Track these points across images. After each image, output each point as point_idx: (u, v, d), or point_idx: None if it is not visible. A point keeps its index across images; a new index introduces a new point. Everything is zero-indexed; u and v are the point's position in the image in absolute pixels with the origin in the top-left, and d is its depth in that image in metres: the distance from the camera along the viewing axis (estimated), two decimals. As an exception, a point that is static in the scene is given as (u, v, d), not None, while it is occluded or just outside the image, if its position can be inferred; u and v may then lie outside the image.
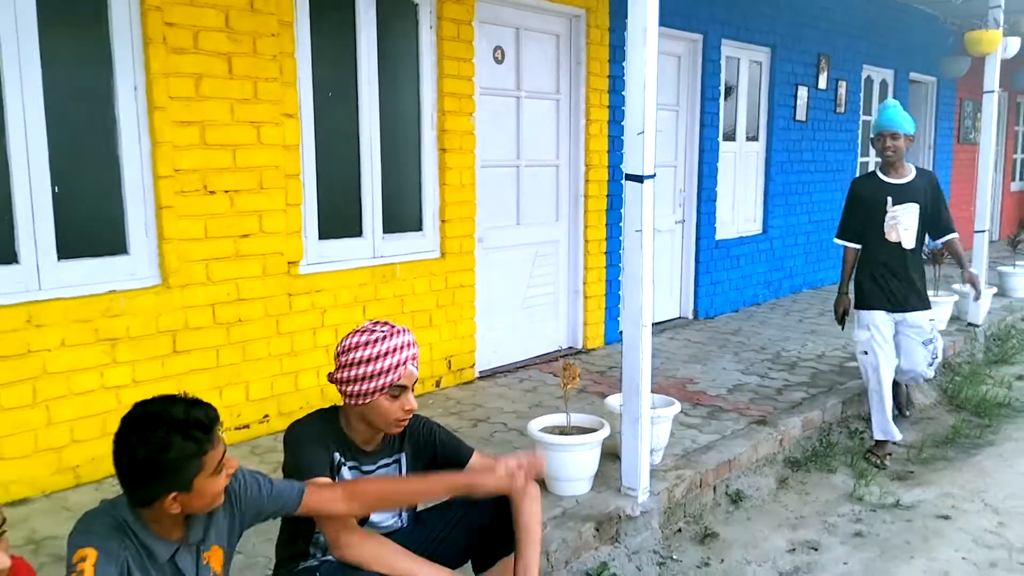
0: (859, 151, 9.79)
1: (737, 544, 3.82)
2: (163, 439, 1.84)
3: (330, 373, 2.44)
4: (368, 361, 2.33)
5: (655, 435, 3.92)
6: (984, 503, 4.27)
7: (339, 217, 4.78)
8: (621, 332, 4.26)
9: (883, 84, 10.18)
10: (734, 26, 7.53)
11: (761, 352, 6.43)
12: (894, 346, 4.83)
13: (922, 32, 9.88)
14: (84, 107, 3.75)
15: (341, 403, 2.50)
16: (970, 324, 7.19)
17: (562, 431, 3.77)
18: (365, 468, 2.52)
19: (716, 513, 4.09)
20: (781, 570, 3.61)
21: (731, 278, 8.00)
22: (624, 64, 3.54)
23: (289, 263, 4.46)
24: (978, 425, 5.44)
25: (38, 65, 3.55)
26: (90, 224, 3.81)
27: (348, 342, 2.41)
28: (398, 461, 2.59)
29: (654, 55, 3.48)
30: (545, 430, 3.77)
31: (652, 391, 3.75)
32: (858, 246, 4.87)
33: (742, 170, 8.13)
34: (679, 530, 3.86)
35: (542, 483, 3.54)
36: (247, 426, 4.34)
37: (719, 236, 7.77)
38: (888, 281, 4.74)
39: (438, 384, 5.32)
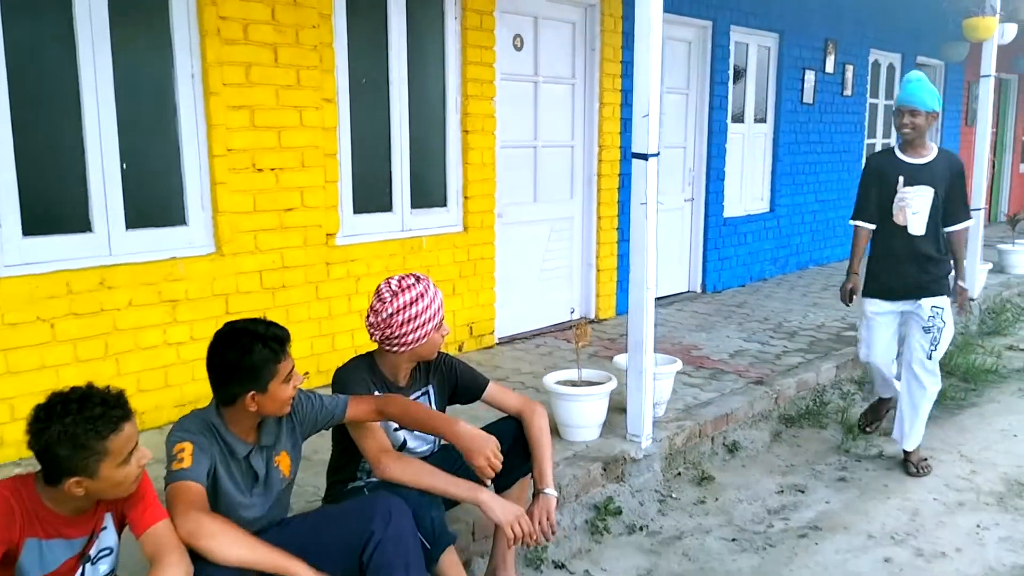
0: (866, 133, 10.12)
1: (731, 486, 4.25)
2: (248, 345, 2.34)
3: (383, 337, 2.85)
4: (424, 311, 2.80)
5: (658, 389, 4.35)
6: (960, 454, 4.68)
7: (371, 193, 5.21)
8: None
9: (890, 68, 10.49)
10: (743, 12, 7.88)
11: (764, 323, 6.83)
12: (894, 338, 4.57)
13: (929, 17, 10.15)
14: (148, 93, 4.19)
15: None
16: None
17: (574, 384, 4.21)
18: (400, 400, 2.97)
19: (713, 460, 4.52)
20: (769, 507, 4.05)
21: (738, 254, 8.38)
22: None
23: (327, 235, 4.90)
24: (964, 389, 5.83)
25: (109, 56, 3.99)
26: (154, 197, 4.26)
27: (400, 303, 2.82)
28: (426, 392, 3.04)
29: (658, 45, 3.87)
30: (559, 383, 4.21)
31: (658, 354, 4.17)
32: (871, 226, 4.48)
33: (750, 151, 8.50)
34: (679, 474, 4.30)
35: (556, 431, 3.98)
36: (290, 382, 4.80)
37: (727, 214, 8.15)
38: (891, 268, 4.39)
39: (460, 348, 5.77)
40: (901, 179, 4.29)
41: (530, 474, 3.01)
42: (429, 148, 5.53)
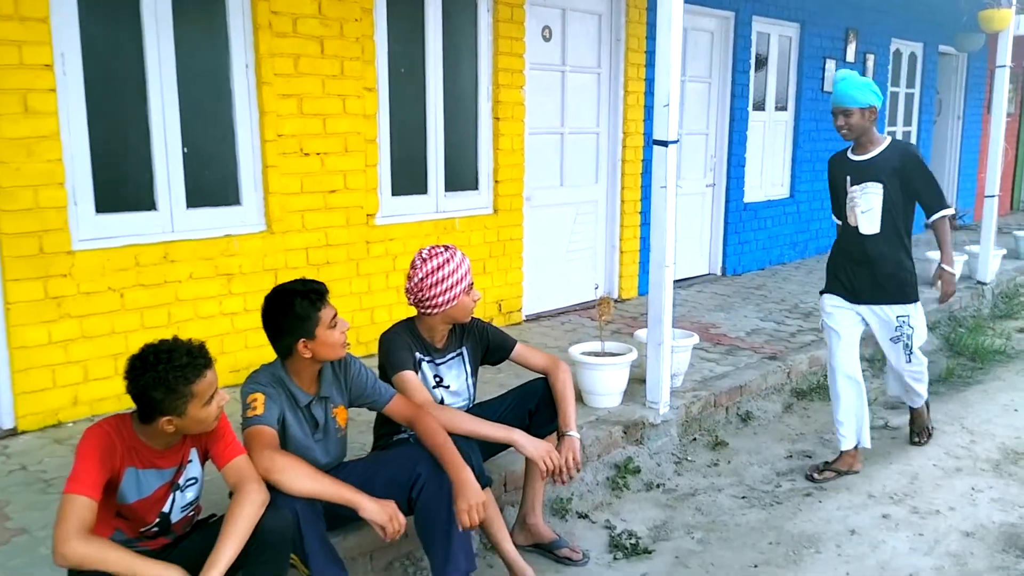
0: (886, 121, 10.31)
1: (743, 451, 4.56)
2: (289, 299, 2.73)
3: (417, 300, 3.20)
4: (452, 274, 3.13)
5: (676, 361, 4.66)
6: (962, 426, 4.95)
7: (408, 177, 5.55)
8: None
9: (911, 57, 10.65)
10: (765, 3, 8.11)
11: (780, 304, 7.11)
12: (855, 337, 4.29)
13: (948, 7, 10.30)
14: (207, 82, 4.54)
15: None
16: (978, 282, 7.79)
17: (597, 355, 4.53)
18: (438, 361, 3.33)
19: (727, 428, 4.82)
20: (778, 470, 4.35)
21: (758, 238, 8.65)
22: (659, 42, 4.22)
23: (367, 215, 5.24)
24: (972, 368, 6.09)
25: (172, 49, 4.34)
26: (211, 179, 4.61)
27: (429, 268, 3.16)
28: (460, 354, 3.38)
29: (679, 39, 4.17)
30: (583, 354, 4.53)
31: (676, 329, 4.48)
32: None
33: (771, 138, 8.75)
34: (694, 439, 4.61)
35: (580, 398, 4.30)
36: (332, 352, 5.17)
37: (747, 199, 8.41)
38: (845, 268, 4.25)
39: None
40: (848, 178, 4.17)
41: (556, 431, 3.33)
42: (462, 134, 5.85)
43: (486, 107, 5.90)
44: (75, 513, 2.21)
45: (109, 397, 4.24)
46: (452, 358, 3.37)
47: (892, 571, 3.37)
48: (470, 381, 3.42)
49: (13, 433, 4.02)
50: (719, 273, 8.32)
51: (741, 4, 7.85)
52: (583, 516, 3.78)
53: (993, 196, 7.66)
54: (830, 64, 9.10)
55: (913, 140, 11.13)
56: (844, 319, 4.25)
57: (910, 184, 4.11)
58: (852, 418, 4.23)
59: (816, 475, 4.22)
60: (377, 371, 3.24)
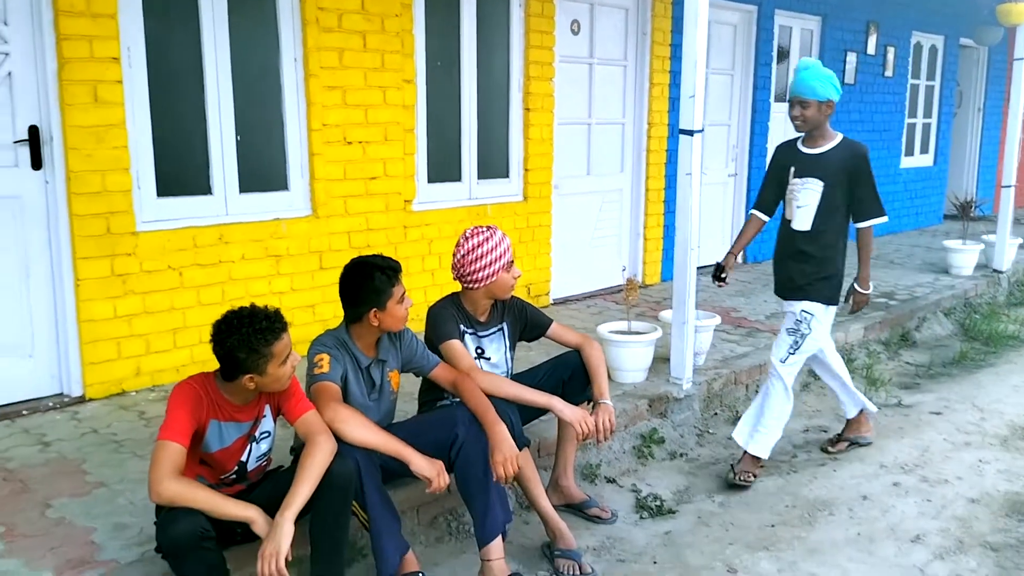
0: (906, 113, 10.47)
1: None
2: (371, 272, 3.02)
3: (460, 275, 3.48)
4: (491, 251, 3.40)
5: (699, 340, 4.92)
6: (973, 405, 5.17)
7: (443, 165, 5.83)
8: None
9: (932, 49, 10.80)
10: (787, -3, 8.31)
11: (800, 290, 7.32)
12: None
13: (967, 1, 10.44)
14: (259, 75, 4.84)
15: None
16: (995, 270, 7.98)
17: (624, 333, 4.79)
18: (481, 334, 3.60)
19: (747, 404, 5.04)
20: (795, 443, 4.61)
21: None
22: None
23: (405, 201, 5.53)
24: (985, 352, 6.30)
25: (227, 43, 4.64)
26: (262, 166, 4.91)
27: (471, 244, 3.45)
28: (501, 328, 3.66)
29: (704, 33, 4.41)
30: (611, 332, 4.79)
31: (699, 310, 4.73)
32: (764, 217, 4.30)
33: (791, 129, 8.90)
34: (715, 414, 4.87)
35: (608, 374, 4.54)
36: (372, 330, 5.47)
37: (768, 189, 8.60)
38: (776, 263, 4.17)
39: (520, 307, 6.37)
40: (792, 170, 4.03)
41: (588, 399, 3.60)
42: (494, 124, 6.12)
43: (517, 98, 6.16)
44: (168, 457, 2.51)
45: (168, 369, 4.55)
46: (494, 332, 3.64)
47: (901, 532, 3.62)
48: (508, 355, 3.70)
49: (82, 400, 4.34)
50: (740, 261, 8.54)
51: (764, -2, 8.05)
52: (611, 481, 4.06)
53: (1010, 186, 7.83)
54: (851, 56, 9.28)
55: (933, 132, 11.29)
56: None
57: (854, 185, 3.93)
58: (840, 387, 4.42)
59: (830, 448, 4.47)
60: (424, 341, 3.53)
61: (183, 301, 4.57)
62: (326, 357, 2.99)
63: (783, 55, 8.63)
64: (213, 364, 2.72)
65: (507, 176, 6.24)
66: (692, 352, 4.73)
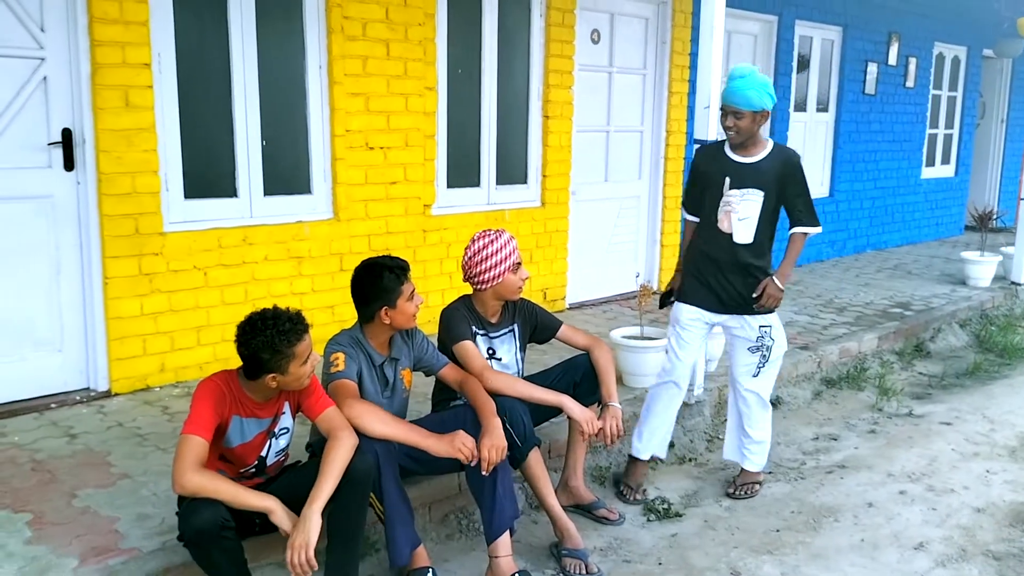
0: (927, 123, 10.47)
1: (772, 433, 4.86)
2: (379, 272, 3.16)
3: (468, 276, 3.59)
4: (497, 252, 3.52)
5: (711, 346, 4.99)
6: (983, 416, 5.20)
7: (463, 170, 5.94)
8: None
9: (955, 60, 10.79)
10: (808, 7, 8.35)
11: (816, 299, 7.37)
12: (700, 352, 4.30)
13: (990, 13, 10.43)
14: (284, 81, 4.97)
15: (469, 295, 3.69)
16: (1013, 283, 7.97)
17: (636, 338, 4.87)
18: (492, 335, 3.70)
19: (758, 411, 5.13)
20: (804, 450, 4.67)
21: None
22: (703, 45, 4.53)
23: (424, 206, 5.64)
24: (999, 363, 6.31)
25: (255, 51, 4.78)
26: (286, 170, 5.04)
27: (477, 247, 3.56)
28: (512, 330, 3.76)
29: (720, 45, 4.49)
30: (624, 337, 4.87)
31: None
32: (697, 220, 4.05)
33: (811, 138, 8.98)
34: (725, 420, 4.92)
35: (620, 379, 4.64)
36: (390, 331, 5.58)
37: (786, 198, 8.64)
38: (714, 277, 3.91)
39: (536, 311, 6.47)
40: (728, 180, 3.83)
41: (598, 401, 3.68)
42: (513, 131, 6.22)
43: (536, 106, 6.26)
44: (192, 450, 2.62)
45: (191, 366, 4.69)
46: (504, 333, 3.74)
47: (904, 539, 3.67)
48: (519, 356, 3.80)
49: (108, 395, 4.48)
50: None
51: (784, 8, 8.10)
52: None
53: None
54: (872, 67, 9.31)
55: (955, 143, 11.27)
56: (695, 335, 4.03)
57: (790, 193, 3.85)
58: (664, 428, 4.11)
59: (628, 494, 4.01)
60: (436, 343, 3.63)
61: (207, 300, 4.71)
62: (342, 355, 3.10)
63: (803, 65, 8.67)
64: (235, 361, 2.84)
65: (525, 182, 6.34)
66: (704, 358, 4.80)
